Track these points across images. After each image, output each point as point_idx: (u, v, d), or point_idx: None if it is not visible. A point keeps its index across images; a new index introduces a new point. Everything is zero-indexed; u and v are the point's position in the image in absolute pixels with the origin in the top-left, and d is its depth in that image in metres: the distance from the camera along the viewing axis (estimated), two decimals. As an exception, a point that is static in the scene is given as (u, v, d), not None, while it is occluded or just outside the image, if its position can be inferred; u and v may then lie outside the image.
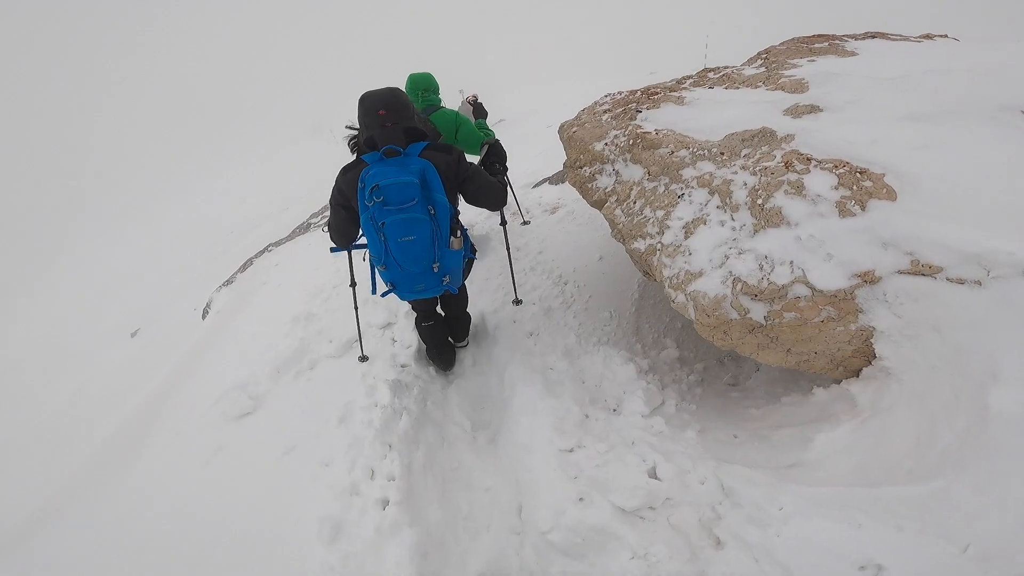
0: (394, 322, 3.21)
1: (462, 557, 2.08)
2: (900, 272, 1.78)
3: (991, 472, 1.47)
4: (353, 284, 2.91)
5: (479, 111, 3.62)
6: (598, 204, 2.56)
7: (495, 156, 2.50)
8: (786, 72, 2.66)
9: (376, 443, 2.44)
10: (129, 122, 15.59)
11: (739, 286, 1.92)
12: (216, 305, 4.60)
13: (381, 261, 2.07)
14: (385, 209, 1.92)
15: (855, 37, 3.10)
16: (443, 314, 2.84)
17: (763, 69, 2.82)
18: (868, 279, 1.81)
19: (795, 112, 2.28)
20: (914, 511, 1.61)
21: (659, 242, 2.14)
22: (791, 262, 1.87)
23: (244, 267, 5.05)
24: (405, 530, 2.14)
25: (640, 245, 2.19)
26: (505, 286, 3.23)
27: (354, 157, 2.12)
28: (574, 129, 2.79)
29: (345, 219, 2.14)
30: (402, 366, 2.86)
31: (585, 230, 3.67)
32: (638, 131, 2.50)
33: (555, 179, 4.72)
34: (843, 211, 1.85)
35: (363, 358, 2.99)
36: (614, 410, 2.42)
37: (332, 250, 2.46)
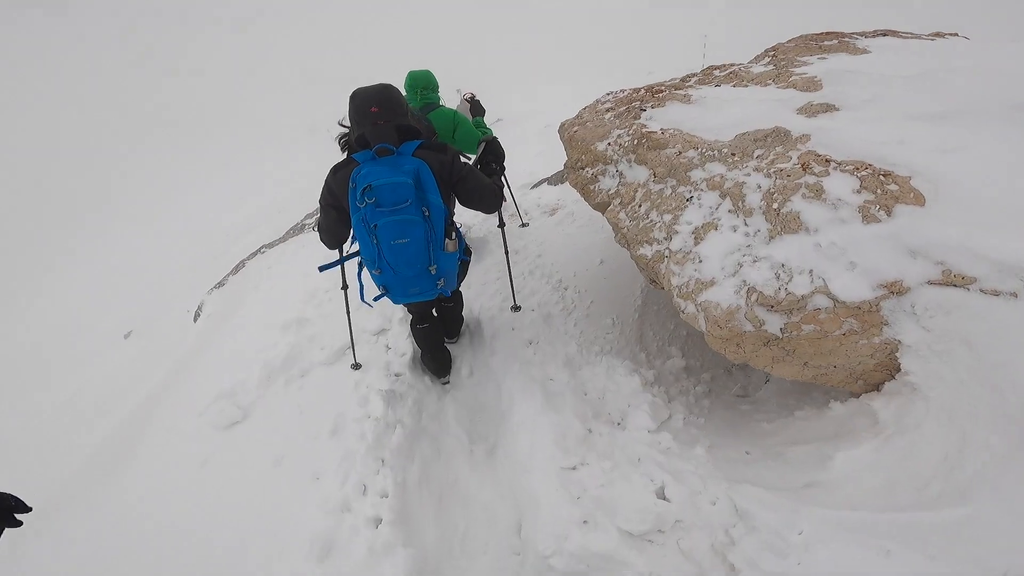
0: (388, 328, 3.04)
1: (459, 581, 1.93)
2: (930, 283, 1.63)
3: (1030, 496, 1.33)
4: (345, 287, 2.75)
5: (476, 109, 3.47)
6: (601, 207, 2.40)
7: (492, 155, 2.34)
8: (796, 70, 2.50)
9: (368, 458, 2.28)
10: (127, 122, 15.30)
11: (754, 296, 1.76)
12: (207, 309, 4.41)
13: (375, 265, 1.96)
14: (378, 211, 1.82)
15: (865, 35, 2.95)
16: (437, 315, 2.70)
17: (772, 67, 2.66)
18: (895, 290, 1.65)
19: (809, 111, 2.12)
20: (946, 537, 1.47)
21: (667, 248, 1.98)
22: (810, 271, 1.71)
23: (236, 269, 4.86)
24: (399, 551, 1.99)
25: (646, 251, 2.02)
26: (503, 291, 3.06)
27: (345, 156, 2.00)
28: (575, 128, 2.62)
29: (335, 220, 2.03)
30: (396, 375, 2.70)
31: (585, 232, 3.51)
32: (643, 130, 2.33)
33: (554, 179, 4.56)
34: (867, 216, 1.70)
35: (356, 366, 2.83)
36: (618, 424, 2.26)
37: (321, 268, 2.34)
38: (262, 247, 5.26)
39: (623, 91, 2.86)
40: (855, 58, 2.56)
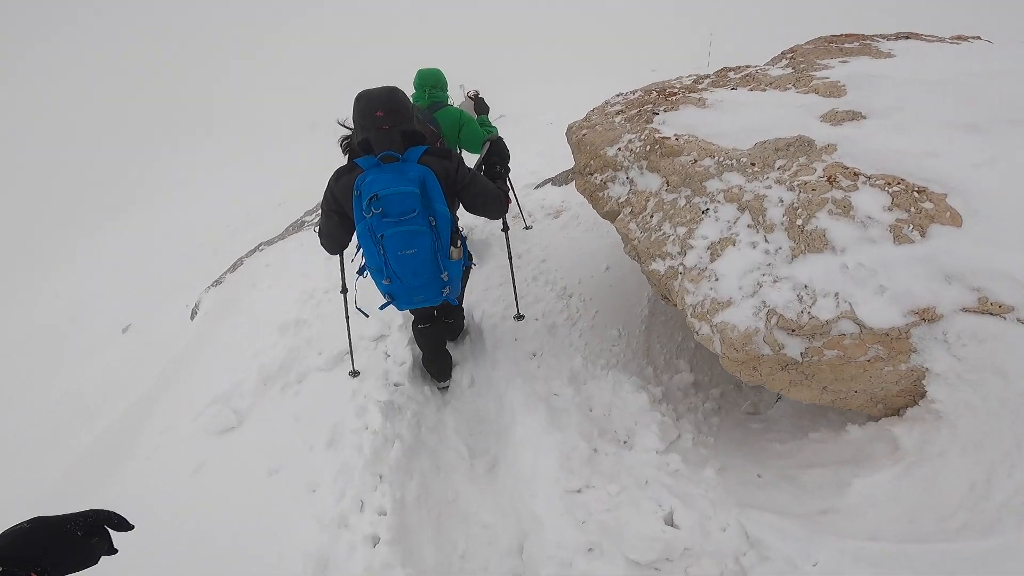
0: (387, 334, 2.91)
1: (458, 606, 1.82)
2: (964, 310, 1.50)
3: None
4: (344, 290, 2.62)
5: (480, 107, 3.35)
6: (610, 216, 2.25)
7: (497, 156, 2.22)
8: (817, 73, 2.33)
9: (366, 473, 2.17)
10: (128, 119, 15.02)
11: (774, 319, 1.62)
12: (204, 307, 4.27)
13: (382, 275, 1.91)
14: (384, 221, 1.76)
15: (886, 37, 2.77)
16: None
17: (790, 70, 2.49)
18: (927, 317, 1.52)
19: (834, 118, 1.96)
20: (972, 570, 1.38)
21: (680, 264, 1.83)
22: (836, 294, 1.57)
23: (234, 267, 4.71)
24: (397, 571, 1.89)
25: (659, 266, 1.88)
26: (506, 298, 2.93)
27: (346, 159, 1.93)
28: (584, 132, 2.46)
29: (337, 226, 1.95)
30: (395, 385, 2.58)
31: (590, 237, 3.36)
32: (656, 135, 2.18)
33: (558, 180, 4.39)
34: (899, 237, 1.56)
35: (354, 373, 2.71)
36: (624, 442, 2.14)
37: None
38: (260, 244, 5.10)
39: (634, 92, 2.69)
40: (878, 62, 2.39)
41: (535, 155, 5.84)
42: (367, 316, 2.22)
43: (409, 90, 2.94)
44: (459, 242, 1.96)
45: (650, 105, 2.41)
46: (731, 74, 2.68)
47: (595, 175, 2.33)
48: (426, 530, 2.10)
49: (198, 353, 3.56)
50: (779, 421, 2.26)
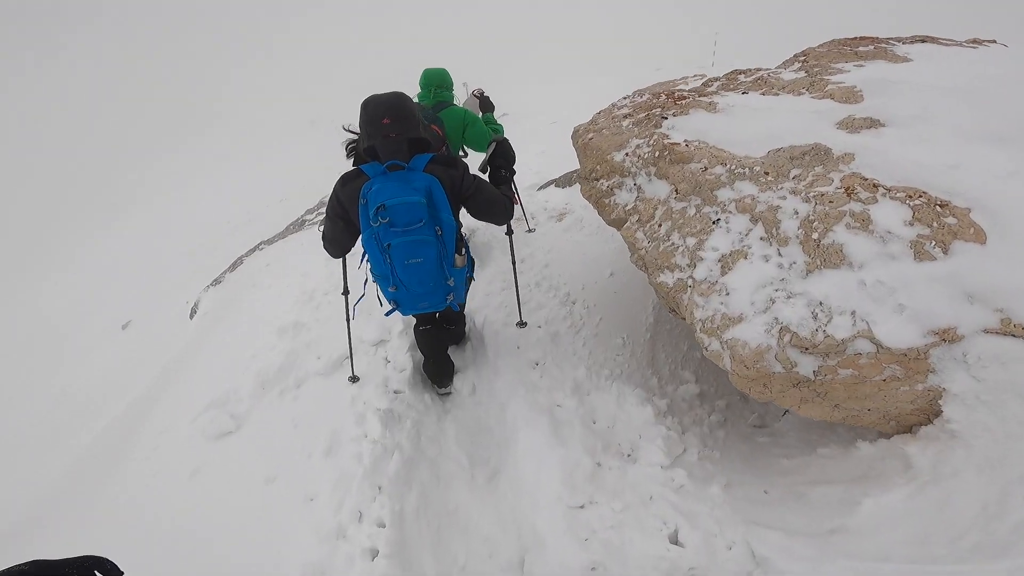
0: (387, 339, 2.85)
1: (458, 622, 1.77)
2: (986, 331, 1.43)
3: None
4: (346, 292, 2.56)
5: (485, 105, 3.29)
6: (616, 223, 2.17)
7: (502, 158, 2.18)
8: (832, 78, 2.24)
9: (365, 484, 2.12)
10: (129, 116, 14.89)
11: (787, 337, 1.55)
12: (203, 307, 4.21)
13: (388, 282, 1.92)
14: (391, 230, 1.76)
15: (902, 40, 2.67)
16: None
17: (803, 74, 2.40)
18: (947, 338, 1.45)
19: (851, 126, 1.88)
20: None
21: (690, 277, 1.76)
22: (853, 312, 1.50)
23: (234, 266, 4.64)
24: (395, 585, 1.83)
25: (667, 279, 1.81)
26: (508, 304, 2.86)
27: (351, 163, 1.92)
28: (590, 136, 2.38)
29: (342, 231, 1.95)
30: (395, 392, 2.51)
31: (594, 241, 3.28)
32: (665, 141, 2.10)
33: (562, 181, 4.30)
34: (920, 253, 1.48)
35: (353, 379, 2.65)
36: (628, 455, 2.08)
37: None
38: (260, 243, 5.03)
39: (641, 95, 2.60)
40: (896, 66, 2.30)
41: (538, 155, 5.74)
42: (387, 315, 2.20)
43: (413, 91, 2.87)
44: (463, 250, 1.96)
45: (659, 109, 2.32)
46: (741, 77, 2.59)
47: (601, 181, 2.26)
48: (425, 543, 2.05)
49: (196, 354, 3.51)
50: (786, 435, 2.20)
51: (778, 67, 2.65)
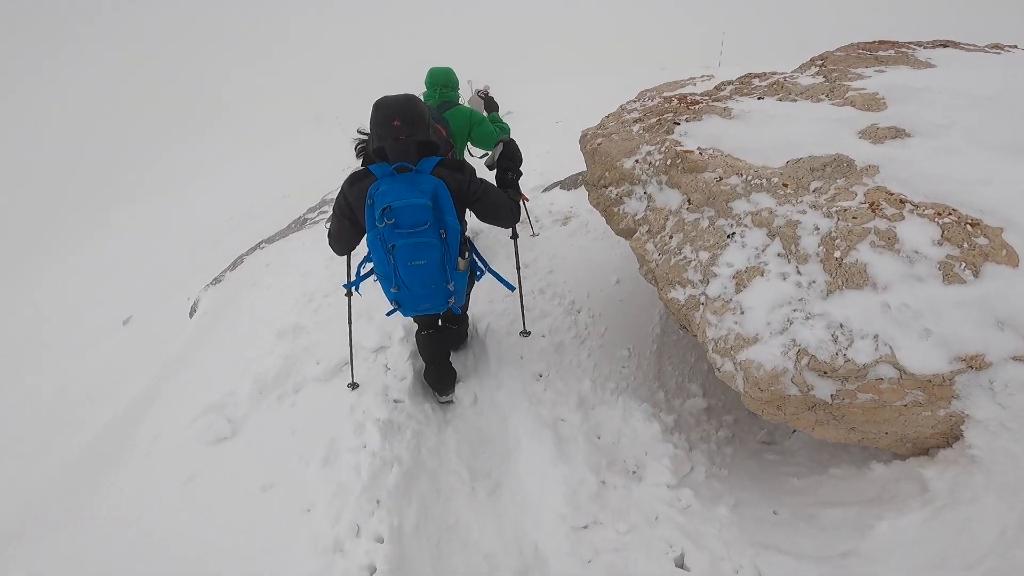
0: (388, 346, 2.77)
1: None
2: (1016, 359, 1.34)
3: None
4: (349, 293, 2.50)
5: (490, 104, 3.22)
6: (625, 233, 2.08)
7: (509, 160, 2.15)
8: (852, 84, 2.14)
9: (363, 498, 2.05)
10: (131, 113, 14.77)
11: (805, 360, 1.47)
12: (202, 306, 4.14)
13: (391, 283, 1.92)
14: (396, 232, 1.77)
15: (923, 45, 2.56)
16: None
17: (821, 79, 2.29)
18: (975, 364, 1.37)
19: (875, 135, 1.78)
20: None
21: (703, 294, 1.67)
22: (875, 336, 1.41)
23: (234, 265, 4.57)
24: (393, 603, 1.77)
25: (678, 295, 1.72)
26: (511, 311, 2.77)
27: (360, 163, 1.94)
28: (599, 141, 2.28)
29: (348, 230, 1.96)
30: (395, 401, 2.44)
31: (600, 246, 3.19)
32: (677, 148, 2.00)
33: (567, 184, 4.20)
34: (949, 275, 1.39)
35: (353, 385, 2.58)
36: (633, 472, 2.01)
37: (346, 285, 2.32)
38: (261, 242, 4.95)
39: (652, 99, 2.50)
40: (918, 72, 2.20)
41: (542, 155, 5.62)
42: (388, 315, 2.17)
43: (414, 90, 2.77)
44: (467, 253, 1.95)
45: (671, 114, 2.22)
46: (756, 81, 2.48)
47: (610, 188, 2.16)
48: (424, 559, 1.99)
49: (194, 355, 3.44)
50: (796, 453, 2.12)
51: (794, 71, 2.54)
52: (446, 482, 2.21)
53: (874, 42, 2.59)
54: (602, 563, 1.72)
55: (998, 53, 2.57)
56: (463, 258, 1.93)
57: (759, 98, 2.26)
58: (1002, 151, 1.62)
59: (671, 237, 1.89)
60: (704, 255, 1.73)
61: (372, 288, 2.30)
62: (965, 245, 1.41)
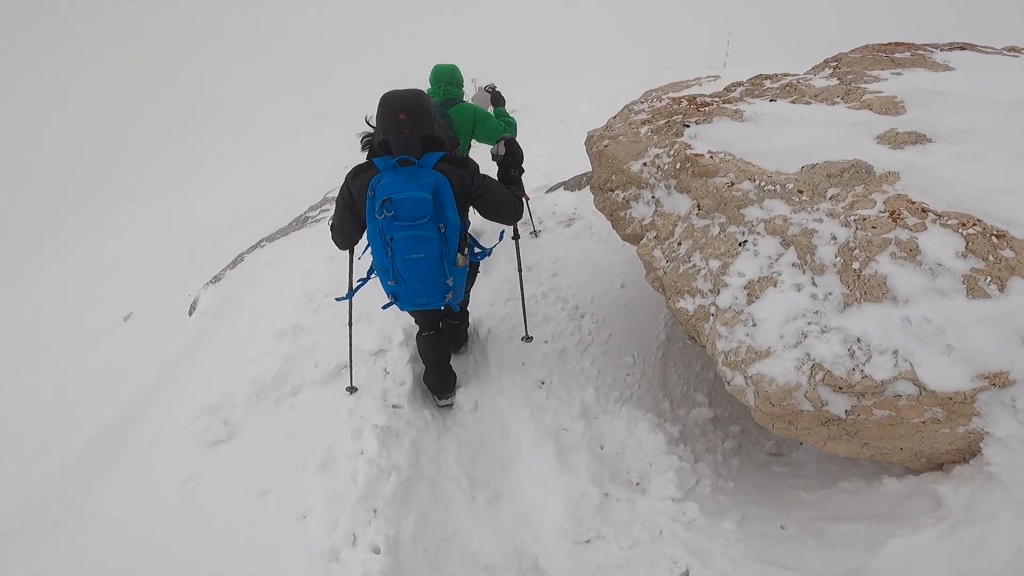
0: (387, 349, 2.71)
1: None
2: (1044, 377, 1.27)
3: None
4: (350, 294, 2.45)
5: (497, 99, 3.23)
6: (632, 239, 2.02)
7: (511, 157, 2.11)
8: (869, 86, 2.06)
9: (360, 508, 2.00)
10: (133, 111, 14.70)
11: (820, 375, 1.40)
12: (202, 304, 4.08)
13: (388, 276, 1.91)
14: (395, 224, 1.76)
15: (939, 47, 2.48)
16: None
17: (836, 80, 2.21)
18: (998, 382, 1.30)
19: (894, 140, 1.71)
20: None
21: (713, 304, 1.61)
22: (895, 352, 1.35)
23: (234, 263, 4.51)
24: (389, 615, 1.72)
25: (687, 305, 1.66)
26: (513, 315, 2.71)
27: (366, 157, 1.94)
28: (605, 143, 2.21)
29: (350, 221, 1.96)
30: (394, 407, 2.38)
31: (604, 249, 3.12)
32: (687, 152, 1.93)
33: (571, 184, 4.12)
34: (973, 289, 1.32)
35: (351, 389, 2.52)
36: (637, 484, 1.95)
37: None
38: (261, 240, 4.88)
39: (660, 100, 2.42)
40: (936, 75, 2.12)
41: (545, 155, 5.53)
42: (384, 308, 2.13)
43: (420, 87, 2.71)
44: (466, 250, 1.94)
45: (680, 116, 2.15)
46: (767, 83, 2.40)
47: (617, 192, 2.09)
48: (421, 570, 1.93)
49: (193, 355, 3.39)
50: (804, 465, 2.06)
51: (807, 73, 2.46)
52: (445, 490, 2.15)
53: (889, 44, 2.51)
54: (605, 580, 1.66)
55: (1016, 56, 2.48)
56: (463, 254, 1.91)
57: (771, 100, 2.19)
58: (1028, 158, 1.54)
59: (679, 244, 1.82)
60: (714, 263, 1.66)
61: (373, 289, 2.25)
62: (991, 258, 1.34)
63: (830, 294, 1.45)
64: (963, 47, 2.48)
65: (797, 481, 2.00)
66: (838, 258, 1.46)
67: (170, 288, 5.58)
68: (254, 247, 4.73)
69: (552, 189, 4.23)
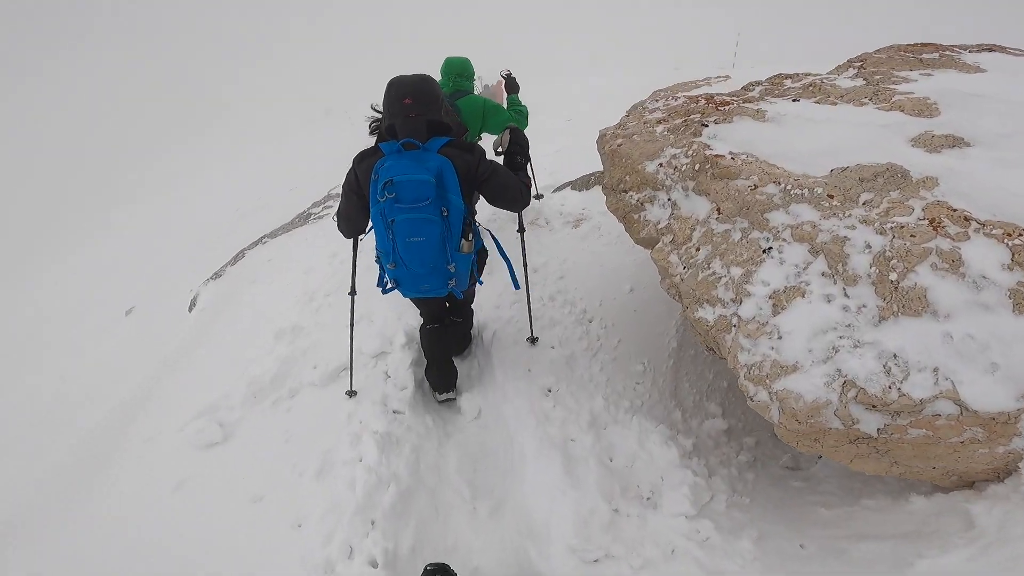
0: (388, 352, 2.62)
1: None
2: (1095, 398, 1.17)
3: None
4: (352, 293, 2.36)
5: (511, 86, 3.23)
6: (647, 243, 1.92)
7: (516, 145, 2.08)
8: (898, 87, 1.95)
9: (357, 518, 1.91)
10: (137, 109, 14.61)
11: (852, 392, 1.31)
12: (202, 301, 4.00)
13: (389, 259, 1.88)
14: (396, 206, 1.74)
15: (968, 48, 2.37)
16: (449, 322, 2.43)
17: (862, 81, 2.11)
18: (1048, 405, 1.20)
19: (930, 144, 1.60)
20: None
21: (735, 315, 1.51)
22: (935, 369, 1.25)
23: (235, 259, 4.42)
24: (386, 633, 1.63)
25: (707, 315, 1.56)
26: (518, 318, 2.61)
27: (374, 142, 1.90)
28: (619, 142, 2.11)
29: (356, 207, 1.94)
30: (394, 412, 2.29)
31: (613, 251, 3.02)
32: (706, 152, 1.83)
33: (579, 184, 4.01)
34: (1020, 305, 1.22)
35: (351, 393, 2.43)
36: (648, 499, 1.85)
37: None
38: (263, 237, 4.79)
39: (676, 98, 2.32)
40: (968, 77, 2.01)
41: (551, 154, 5.42)
42: (385, 293, 2.08)
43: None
44: (471, 235, 1.90)
45: (698, 115, 2.04)
46: (788, 82, 2.29)
47: (630, 193, 1.99)
48: (421, 584, 1.84)
49: (192, 353, 3.30)
50: (824, 481, 1.96)
51: (830, 72, 2.35)
52: (445, 499, 2.06)
53: (916, 44, 2.40)
54: (615, 602, 1.57)
55: (1048, 58, 2.37)
56: (467, 240, 1.87)
57: (794, 100, 2.08)
58: (1075, 165, 1.44)
59: (698, 249, 1.72)
60: (736, 271, 1.56)
61: (375, 290, 2.16)
62: (1040, 271, 1.24)
63: (864, 306, 1.35)
64: (991, 48, 2.37)
65: (816, 497, 1.90)
66: (873, 268, 1.36)
67: (170, 286, 5.49)
68: (255, 243, 4.64)
69: (559, 188, 4.13)
